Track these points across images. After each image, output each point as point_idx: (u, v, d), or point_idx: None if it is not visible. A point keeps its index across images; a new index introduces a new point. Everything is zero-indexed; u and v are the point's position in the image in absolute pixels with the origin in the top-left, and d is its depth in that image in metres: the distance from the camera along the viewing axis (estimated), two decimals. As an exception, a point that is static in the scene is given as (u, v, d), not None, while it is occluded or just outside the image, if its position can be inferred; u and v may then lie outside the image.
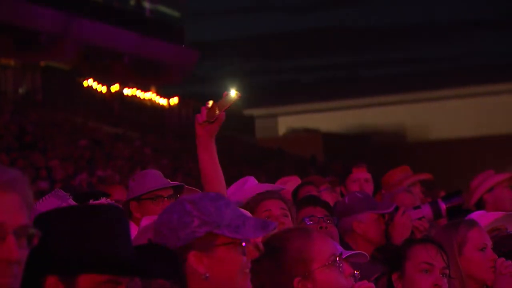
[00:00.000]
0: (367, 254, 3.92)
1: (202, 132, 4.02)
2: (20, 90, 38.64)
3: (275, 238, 3.22)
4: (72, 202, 3.39)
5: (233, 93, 3.91)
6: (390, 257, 3.94)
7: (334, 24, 65.11)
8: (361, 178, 6.75)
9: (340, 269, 3.11)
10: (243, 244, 2.83)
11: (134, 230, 3.21)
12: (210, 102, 3.96)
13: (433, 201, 6.03)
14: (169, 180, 5.23)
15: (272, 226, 2.86)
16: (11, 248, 2.05)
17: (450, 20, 61.10)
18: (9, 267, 2.05)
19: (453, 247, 4.17)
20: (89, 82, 43.06)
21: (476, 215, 4.92)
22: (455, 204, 5.89)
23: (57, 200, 3.32)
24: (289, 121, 59.83)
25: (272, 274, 3.10)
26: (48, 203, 3.25)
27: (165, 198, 5.08)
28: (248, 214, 3.04)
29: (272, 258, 3.12)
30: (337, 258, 3.12)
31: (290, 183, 6.57)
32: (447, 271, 3.83)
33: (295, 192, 6.42)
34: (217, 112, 3.93)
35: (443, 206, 5.80)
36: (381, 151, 50.64)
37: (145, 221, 3.38)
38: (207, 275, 2.80)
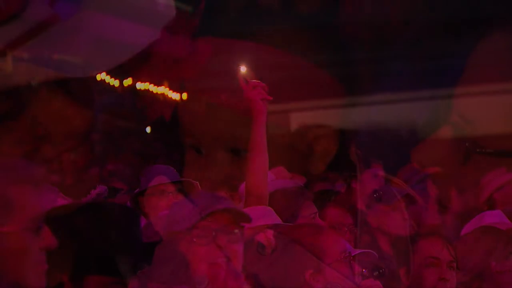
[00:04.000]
0: (375, 253, 3.92)
1: (263, 108, 4.02)
2: (33, 82, 38.67)
3: (289, 231, 3.24)
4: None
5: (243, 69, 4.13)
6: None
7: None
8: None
9: (351, 266, 3.13)
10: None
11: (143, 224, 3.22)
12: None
13: None
14: (178, 175, 5.22)
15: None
16: (50, 236, 2.11)
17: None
18: (43, 255, 2.10)
19: None
20: (102, 76, 43.04)
21: (490, 218, 4.70)
22: None
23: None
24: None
25: (285, 266, 3.11)
26: None
27: (170, 194, 5.07)
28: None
29: (285, 250, 3.14)
30: (348, 255, 3.13)
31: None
32: (454, 265, 3.81)
33: (309, 188, 6.34)
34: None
35: None
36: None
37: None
38: None
